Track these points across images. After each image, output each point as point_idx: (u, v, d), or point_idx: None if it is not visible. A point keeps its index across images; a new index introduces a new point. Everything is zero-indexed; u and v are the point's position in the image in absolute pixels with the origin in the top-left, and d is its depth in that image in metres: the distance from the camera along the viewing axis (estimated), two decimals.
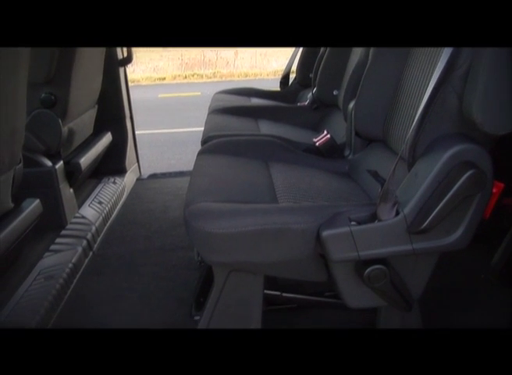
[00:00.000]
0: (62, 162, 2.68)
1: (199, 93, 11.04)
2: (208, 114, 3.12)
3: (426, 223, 1.34)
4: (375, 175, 1.50)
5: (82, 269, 2.39)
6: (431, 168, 1.35)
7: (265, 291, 1.61)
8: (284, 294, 1.76)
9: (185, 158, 5.49)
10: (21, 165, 2.02)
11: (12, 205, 1.97)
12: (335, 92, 2.74)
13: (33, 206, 2.06)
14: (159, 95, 11.41)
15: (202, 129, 2.76)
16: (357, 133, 1.97)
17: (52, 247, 2.46)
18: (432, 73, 1.41)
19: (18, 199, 2.03)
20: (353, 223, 1.37)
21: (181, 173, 3.82)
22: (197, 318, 1.76)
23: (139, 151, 3.96)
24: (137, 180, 3.80)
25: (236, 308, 1.60)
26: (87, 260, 2.48)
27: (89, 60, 2.87)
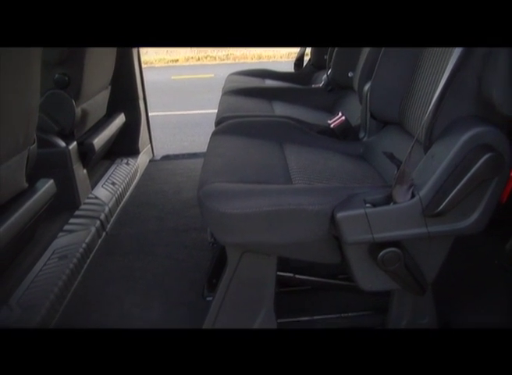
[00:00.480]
0: (75, 142, 2.68)
1: (212, 75, 11.03)
2: (222, 95, 3.11)
3: (442, 206, 1.32)
4: (391, 157, 1.48)
5: (95, 249, 2.41)
6: (448, 150, 1.34)
7: (278, 273, 1.61)
8: (297, 276, 1.75)
9: (198, 140, 5.49)
10: (35, 145, 2.02)
11: (26, 185, 1.98)
12: (350, 74, 2.71)
13: (47, 186, 2.07)
14: (172, 77, 11.40)
15: (215, 111, 2.75)
16: (372, 116, 1.95)
17: (66, 227, 2.47)
18: (451, 54, 1.39)
19: (32, 179, 2.04)
20: (368, 205, 1.35)
21: (194, 155, 3.82)
22: (209, 299, 1.76)
23: (152, 133, 3.96)
24: (150, 161, 3.80)
25: (248, 289, 1.60)
26: (100, 240, 2.50)
27: None
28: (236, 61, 14.18)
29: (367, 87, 2.10)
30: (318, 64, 3.62)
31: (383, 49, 1.83)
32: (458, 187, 1.31)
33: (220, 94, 3.20)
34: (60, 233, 2.40)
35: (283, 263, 1.65)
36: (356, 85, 2.47)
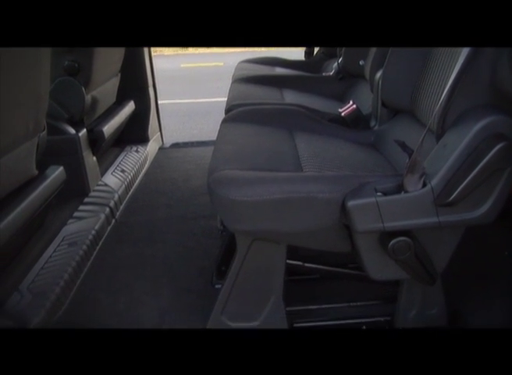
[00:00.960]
0: (85, 130, 2.69)
1: (221, 63, 11.01)
2: (232, 83, 3.10)
3: (453, 196, 1.31)
4: (403, 145, 1.47)
5: (104, 236, 2.42)
6: (460, 139, 1.32)
7: (287, 261, 1.60)
8: (306, 265, 1.75)
9: (207, 129, 5.49)
10: (45, 132, 2.02)
11: (36, 171, 1.99)
12: (361, 62, 2.69)
13: (56, 173, 2.07)
14: (182, 65, 11.38)
15: (224, 99, 2.74)
16: (383, 104, 1.94)
17: (76, 214, 2.48)
18: None
19: (42, 166, 2.04)
20: (379, 193, 1.34)
21: (203, 143, 3.82)
22: (218, 286, 1.76)
23: (161, 121, 3.96)
24: (160, 149, 3.81)
25: (257, 277, 1.60)
26: (109, 227, 2.51)
27: None
28: (246, 49, 14.12)
29: (378, 75, 2.09)
30: (328, 52, 3.59)
31: None
32: (470, 176, 1.29)
33: (230, 82, 3.19)
34: (70, 220, 2.41)
35: (293, 251, 1.65)
36: (367, 73, 2.46)
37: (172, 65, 11.04)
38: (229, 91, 2.90)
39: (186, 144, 3.88)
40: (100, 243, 2.35)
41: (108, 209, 2.56)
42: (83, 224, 2.40)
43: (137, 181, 3.11)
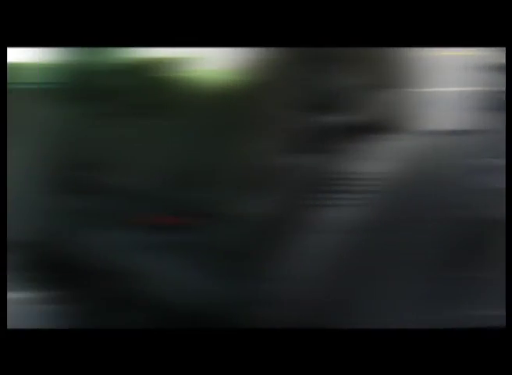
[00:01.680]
0: (341, 118, 2.76)
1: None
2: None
3: None
4: None
5: (358, 223, 2.43)
6: None
7: None
8: None
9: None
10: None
11: None
12: None
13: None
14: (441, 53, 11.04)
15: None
16: None
17: (330, 202, 2.53)
18: None
19: None
20: None
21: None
22: (470, 275, 1.72)
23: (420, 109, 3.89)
24: (414, 135, 3.74)
25: None
26: (366, 215, 2.52)
27: None
28: None
29: None
30: None
31: None
32: None
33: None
34: (325, 209, 2.46)
35: None
36: None
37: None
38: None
39: (445, 132, 3.76)
40: (356, 231, 2.37)
41: (366, 197, 2.60)
42: (338, 212, 2.45)
43: (392, 170, 3.09)
